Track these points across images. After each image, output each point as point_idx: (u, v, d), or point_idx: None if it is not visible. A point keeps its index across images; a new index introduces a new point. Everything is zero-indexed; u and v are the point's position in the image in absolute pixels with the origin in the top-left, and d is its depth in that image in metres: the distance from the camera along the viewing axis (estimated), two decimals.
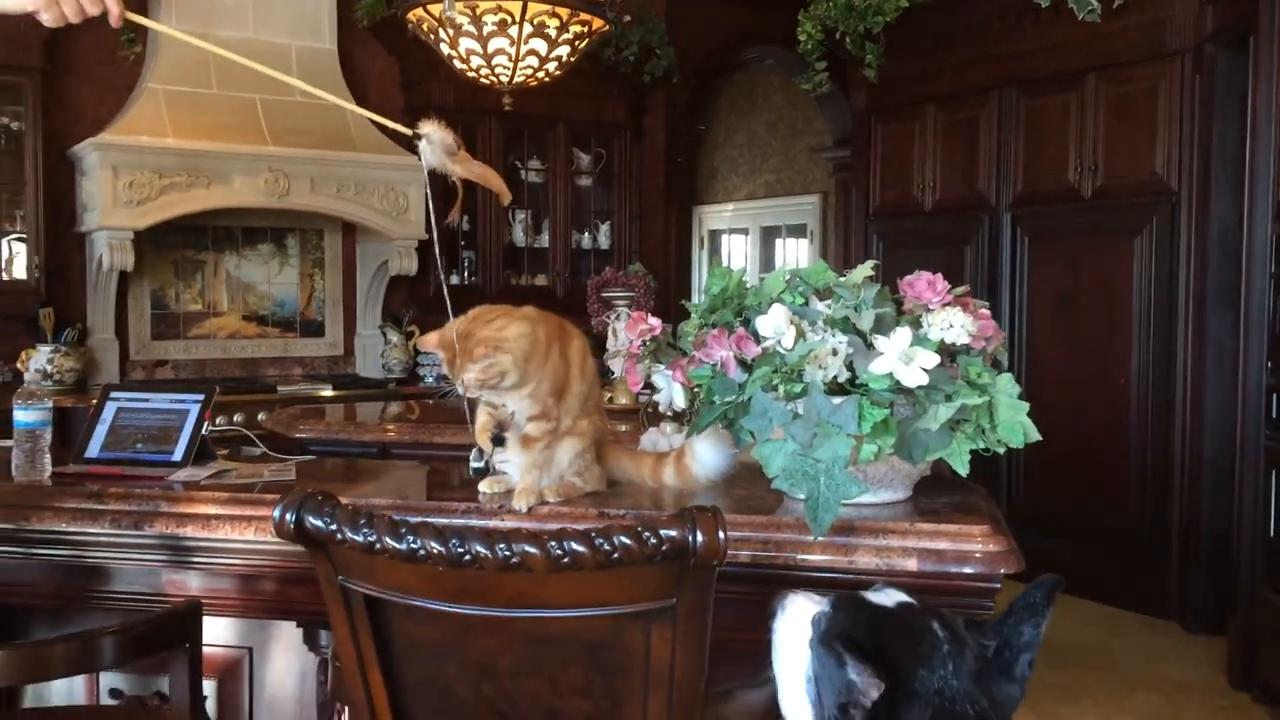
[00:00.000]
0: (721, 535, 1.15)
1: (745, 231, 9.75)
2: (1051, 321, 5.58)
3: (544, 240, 6.99)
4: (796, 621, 1.25)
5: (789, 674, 1.25)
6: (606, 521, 1.68)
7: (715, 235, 9.97)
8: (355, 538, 1.20)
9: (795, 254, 9.20)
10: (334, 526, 1.21)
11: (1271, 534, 3.96)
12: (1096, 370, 5.35)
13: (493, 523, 1.70)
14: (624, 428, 3.36)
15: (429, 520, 1.20)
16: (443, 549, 1.16)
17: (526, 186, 6.96)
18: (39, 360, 5.26)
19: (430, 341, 1.69)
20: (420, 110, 6.42)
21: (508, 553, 1.15)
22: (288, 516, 1.23)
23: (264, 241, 6.24)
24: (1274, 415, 3.95)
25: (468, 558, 1.16)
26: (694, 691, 1.20)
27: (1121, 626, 4.98)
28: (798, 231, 9.25)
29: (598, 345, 5.73)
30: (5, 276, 5.48)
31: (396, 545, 1.18)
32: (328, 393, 5.84)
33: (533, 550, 1.15)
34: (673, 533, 1.14)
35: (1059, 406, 5.48)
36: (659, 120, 7.48)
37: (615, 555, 1.14)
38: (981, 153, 5.85)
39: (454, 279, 6.62)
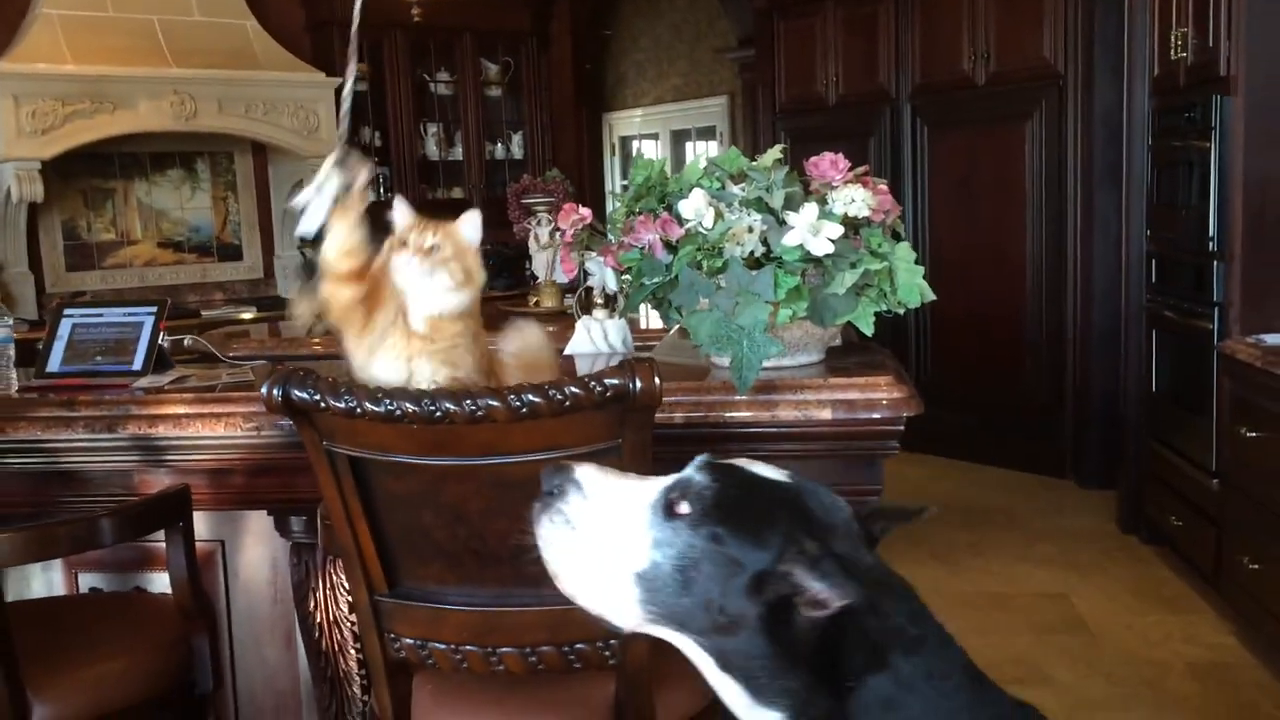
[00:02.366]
0: (657, 380, 1.33)
1: (655, 136, 9.83)
2: (952, 207, 5.85)
3: (458, 153, 7.03)
4: (610, 498, 1.09)
5: (601, 559, 1.08)
6: None
7: (626, 141, 10.05)
8: (338, 404, 1.35)
9: (706, 156, 9.31)
10: (318, 396, 1.37)
11: (1153, 389, 4.31)
12: (994, 252, 5.65)
13: None
14: (552, 329, 3.52)
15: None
16: (416, 408, 1.33)
17: (436, 99, 6.97)
18: None
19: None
20: (323, 25, 6.37)
21: (474, 407, 1.32)
22: (275, 391, 1.38)
23: (173, 166, 6.19)
24: (1153, 280, 4.27)
25: (439, 414, 1.33)
26: None
27: (1022, 488, 5.36)
28: (707, 134, 9.37)
29: (519, 253, 5.84)
30: None
31: (375, 408, 1.34)
32: (250, 315, 5.88)
33: (495, 403, 1.32)
34: (615, 381, 1.32)
35: (961, 289, 5.78)
36: (565, 27, 7.50)
37: (567, 403, 1.32)
38: (881, 45, 6.03)
39: (370, 195, 6.64)
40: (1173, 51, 3.88)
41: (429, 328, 1.62)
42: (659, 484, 1.10)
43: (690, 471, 1.09)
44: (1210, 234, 3.63)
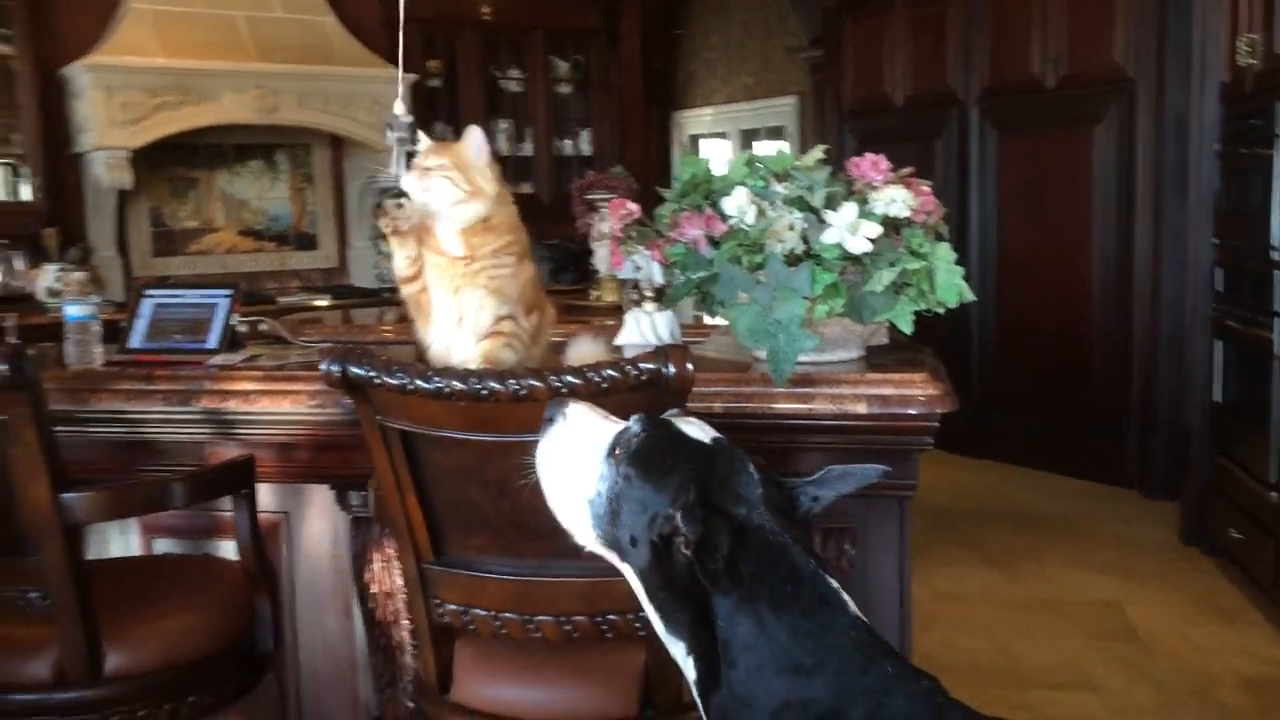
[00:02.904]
0: (689, 366, 1.41)
1: (724, 135, 9.88)
2: (1018, 210, 5.81)
3: (527, 149, 7.15)
4: (582, 431, 1.25)
5: (568, 481, 1.24)
6: None
7: (695, 140, 10.11)
8: (391, 381, 1.45)
9: (749, 155, 9.32)
10: (373, 373, 1.47)
11: (1218, 400, 4.26)
12: (1061, 256, 5.61)
13: None
14: (611, 323, 3.61)
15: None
16: (464, 386, 1.42)
17: (507, 96, 7.10)
18: (47, 278, 5.45)
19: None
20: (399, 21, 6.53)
21: (517, 386, 1.41)
22: (334, 368, 1.48)
23: (254, 158, 6.40)
24: (1218, 288, 4.23)
25: (485, 392, 1.42)
26: None
27: (1085, 495, 5.32)
28: (776, 133, 9.39)
29: (583, 248, 5.94)
30: (6, 198, 5.64)
31: (426, 385, 1.44)
32: (324, 303, 6.06)
33: (537, 383, 1.40)
34: (650, 365, 1.40)
35: (1026, 292, 5.76)
36: (634, 25, 7.57)
37: (604, 385, 1.41)
38: (949, 47, 6.01)
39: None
40: (1240, 57, 3.84)
41: (464, 246, 1.79)
42: (617, 427, 1.25)
43: (632, 421, 1.24)
44: (1273, 242, 3.59)
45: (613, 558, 1.25)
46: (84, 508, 1.69)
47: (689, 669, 1.19)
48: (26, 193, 5.58)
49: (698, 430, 1.24)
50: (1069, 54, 5.42)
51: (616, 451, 1.21)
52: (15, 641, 1.77)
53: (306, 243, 6.64)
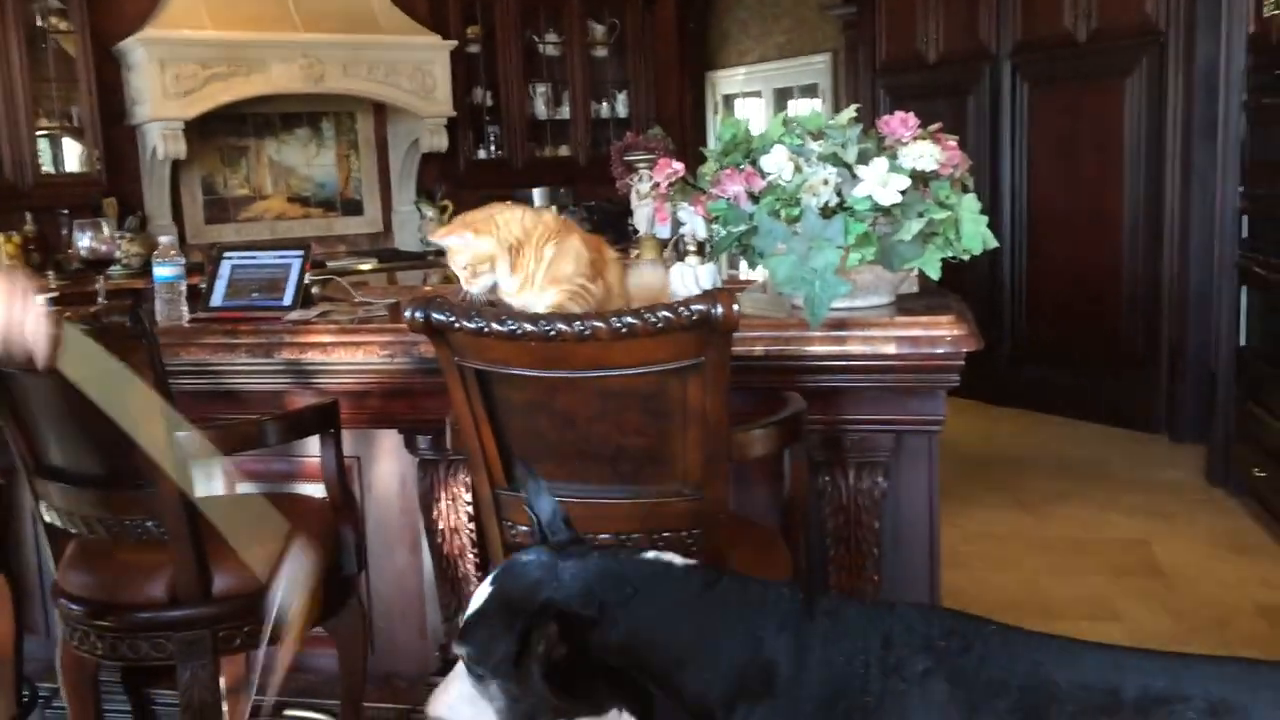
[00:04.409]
0: (735, 307, 1.57)
1: (758, 94, 9.94)
2: (1050, 163, 5.90)
3: (564, 112, 7.29)
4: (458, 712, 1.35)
5: None
6: None
7: (729, 99, 10.18)
8: (469, 325, 1.63)
9: (784, 116, 9.37)
10: (452, 318, 1.65)
11: (1244, 345, 4.37)
12: (1092, 208, 5.70)
13: None
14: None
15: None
16: (534, 328, 1.60)
17: (545, 60, 7.24)
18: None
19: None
20: None
21: (581, 327, 1.58)
22: (417, 314, 1.66)
23: (301, 126, 6.60)
24: (1245, 236, 4.32)
25: (552, 333, 1.59)
26: (720, 423, 1.64)
27: (1115, 441, 5.44)
28: (809, 92, 9.45)
29: (622, 209, 6.07)
30: (66, 169, 5.87)
31: (500, 328, 1.61)
32: (369, 266, 6.27)
33: (600, 324, 1.58)
34: (700, 306, 1.57)
35: (1058, 245, 5.86)
36: None
37: (659, 325, 1.58)
38: (982, 2, 6.07)
39: (481, 153, 6.98)
40: (1267, 8, 3.91)
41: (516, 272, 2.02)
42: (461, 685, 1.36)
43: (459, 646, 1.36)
44: None
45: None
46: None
47: None
48: (80, 163, 5.80)
49: (481, 592, 1.36)
50: (1100, 7, 5.47)
51: (472, 672, 1.32)
52: (136, 566, 1.99)
53: (352, 208, 6.85)
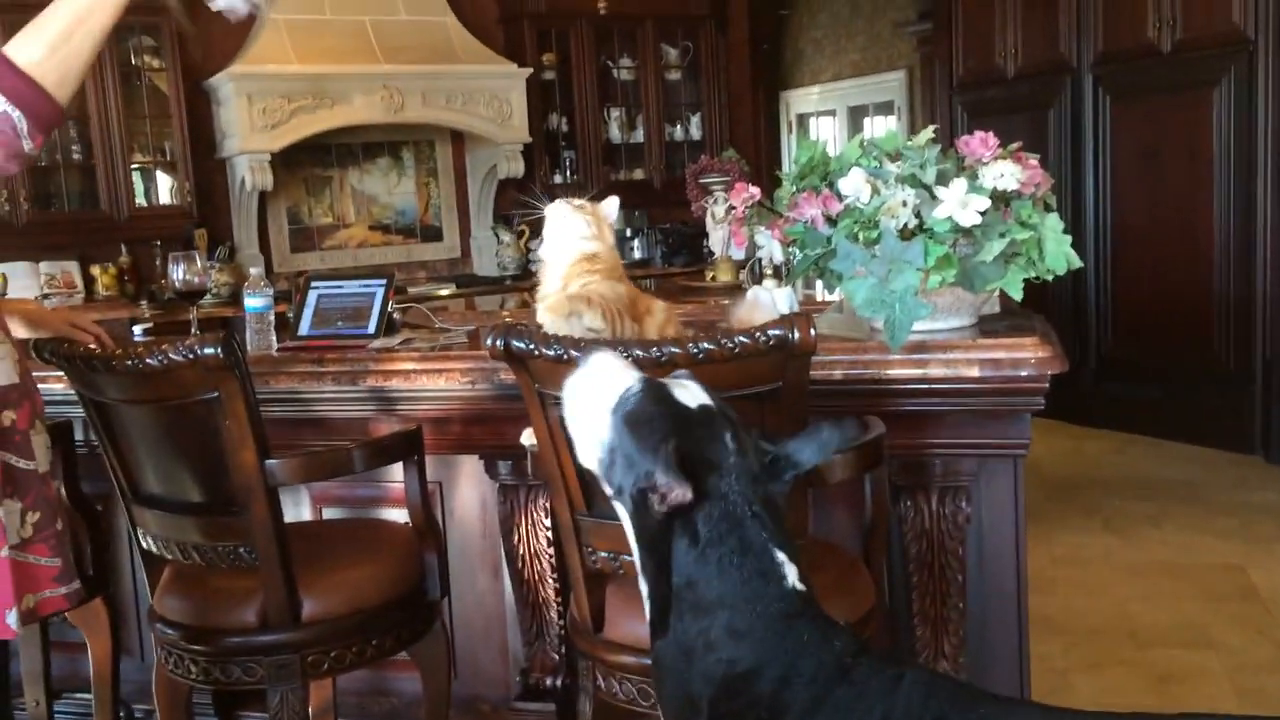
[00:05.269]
0: (812, 331, 1.57)
1: (833, 113, 9.90)
2: (1135, 177, 5.76)
3: (639, 135, 7.34)
4: (599, 381, 1.35)
5: (583, 428, 1.35)
6: None
7: (803, 118, 10.16)
8: (548, 353, 1.65)
9: (883, 132, 9.32)
10: (532, 346, 1.67)
11: None
12: (1180, 222, 5.55)
13: None
14: (726, 301, 3.77)
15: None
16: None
17: (619, 84, 7.30)
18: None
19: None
20: (514, 18, 6.80)
21: (660, 354, 1.59)
22: (498, 342, 1.69)
23: (382, 155, 6.75)
24: None
25: (631, 360, 1.60)
26: None
27: (1207, 462, 5.27)
28: (885, 109, 9.39)
29: (696, 231, 6.08)
30: (159, 201, 6.08)
31: (579, 355, 1.63)
32: (448, 292, 6.36)
33: (678, 350, 1.59)
34: (778, 331, 1.57)
35: (1145, 261, 5.72)
36: (742, 8, 7.69)
37: (736, 350, 1.58)
38: (1061, 14, 5.97)
39: (557, 178, 7.06)
40: None
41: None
42: (626, 381, 1.35)
43: (633, 380, 1.35)
44: None
45: (618, 506, 1.35)
46: (284, 471, 1.94)
47: (646, 610, 1.33)
48: (172, 196, 6.01)
49: (689, 395, 1.33)
50: (1185, 16, 5.35)
51: (617, 408, 1.31)
52: (229, 591, 2.04)
53: (432, 235, 6.97)
